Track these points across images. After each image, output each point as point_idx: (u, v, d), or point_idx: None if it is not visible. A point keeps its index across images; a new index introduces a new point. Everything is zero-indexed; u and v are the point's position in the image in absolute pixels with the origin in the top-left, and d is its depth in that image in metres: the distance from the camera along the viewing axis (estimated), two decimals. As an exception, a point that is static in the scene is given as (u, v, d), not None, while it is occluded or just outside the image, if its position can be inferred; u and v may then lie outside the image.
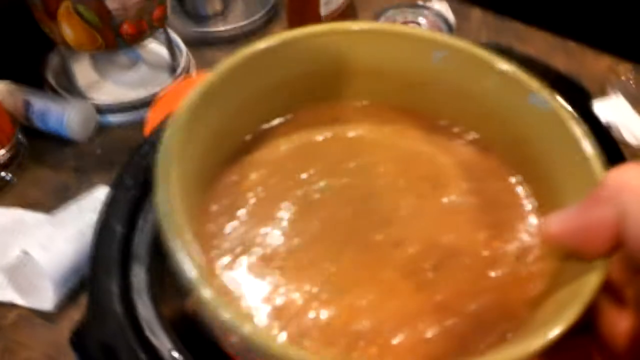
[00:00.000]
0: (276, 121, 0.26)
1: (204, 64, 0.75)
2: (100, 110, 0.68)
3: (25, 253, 0.52)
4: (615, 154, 0.45)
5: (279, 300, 0.22)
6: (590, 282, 0.19)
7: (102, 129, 0.68)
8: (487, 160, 0.27)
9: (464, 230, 0.24)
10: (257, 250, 0.23)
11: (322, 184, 0.24)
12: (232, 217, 0.24)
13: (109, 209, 0.37)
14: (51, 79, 0.70)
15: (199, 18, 0.80)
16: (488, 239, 0.24)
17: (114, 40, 0.63)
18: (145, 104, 0.68)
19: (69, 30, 0.61)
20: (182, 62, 0.72)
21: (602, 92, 0.75)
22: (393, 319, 0.21)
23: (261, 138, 0.26)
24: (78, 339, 0.31)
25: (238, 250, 0.23)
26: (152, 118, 0.62)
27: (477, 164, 0.26)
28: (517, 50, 0.74)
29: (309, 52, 0.25)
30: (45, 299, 0.51)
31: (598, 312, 0.21)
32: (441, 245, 0.23)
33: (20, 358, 0.49)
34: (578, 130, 0.23)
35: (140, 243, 0.37)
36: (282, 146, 0.26)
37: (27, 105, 0.64)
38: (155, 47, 0.76)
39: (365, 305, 0.21)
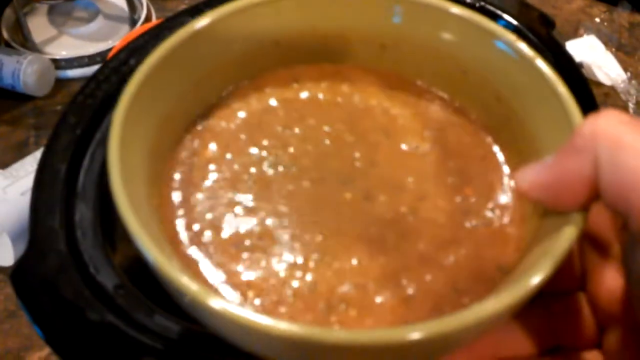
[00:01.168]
0: (233, 87, 0.26)
1: (165, 16, 0.73)
2: (59, 65, 0.66)
3: (-18, 209, 0.50)
4: (584, 92, 0.44)
5: (253, 273, 0.21)
6: (564, 236, 0.18)
7: (61, 84, 0.66)
8: (455, 114, 0.26)
9: (430, 174, 0.23)
10: (226, 226, 0.22)
11: (273, 159, 0.24)
12: (197, 188, 0.23)
13: (51, 148, 0.36)
14: (6, 34, 0.67)
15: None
16: (459, 185, 0.23)
17: (67, -11, 0.61)
18: (105, 57, 0.66)
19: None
20: (143, 14, 0.70)
21: (576, 34, 0.74)
22: (379, 277, 0.21)
23: (220, 104, 0.25)
24: (18, 275, 0.30)
25: (206, 223, 0.22)
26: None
27: (443, 116, 0.26)
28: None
29: (262, 22, 0.25)
30: (5, 255, 0.50)
31: (587, 269, 0.20)
32: (409, 189, 0.23)
33: (-20, 314, 0.48)
34: (552, 77, 0.22)
35: (87, 183, 0.36)
36: (239, 112, 0.25)
37: (-19, 60, 0.62)
38: (114, -1, 0.73)
39: (349, 269, 0.21)
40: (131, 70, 0.41)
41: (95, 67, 0.66)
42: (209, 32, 0.25)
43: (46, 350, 0.46)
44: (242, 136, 0.25)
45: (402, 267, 0.21)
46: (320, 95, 0.26)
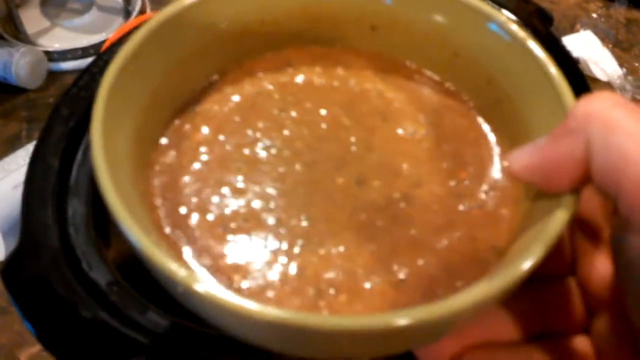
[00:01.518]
0: (223, 73, 0.25)
1: (160, 7, 0.72)
2: (52, 57, 0.65)
3: (-27, 203, 0.50)
4: (582, 87, 0.43)
5: (240, 257, 0.21)
6: (555, 220, 0.18)
7: (54, 77, 0.65)
8: (448, 96, 0.25)
9: (425, 159, 0.23)
10: (214, 209, 0.22)
11: (267, 141, 0.23)
12: (185, 171, 0.23)
13: (44, 141, 0.35)
14: (-2, 26, 0.66)
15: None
16: (453, 169, 0.23)
17: (60, -20, 0.60)
18: (99, 49, 0.65)
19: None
20: (137, 5, 0.69)
21: (572, 29, 0.74)
22: (368, 262, 0.21)
23: (212, 90, 0.25)
24: (9, 272, 0.30)
25: (193, 206, 0.22)
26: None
27: (437, 99, 0.25)
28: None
29: (249, 2, 0.25)
30: (-4, 249, 0.49)
31: (577, 254, 0.20)
32: (404, 175, 0.23)
33: (-29, 309, 0.47)
34: (544, 59, 0.22)
35: (80, 177, 0.35)
36: (233, 96, 0.25)
37: (-28, 52, 0.61)
38: (108, -9, 0.73)
39: (339, 253, 0.21)
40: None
41: (89, 60, 0.65)
42: (194, 11, 0.24)
43: (38, 347, 0.45)
44: (236, 118, 0.24)
45: (393, 253, 0.21)
46: (316, 79, 0.25)
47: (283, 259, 0.21)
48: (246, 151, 0.23)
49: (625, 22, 0.74)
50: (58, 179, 0.34)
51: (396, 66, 0.26)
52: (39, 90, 0.64)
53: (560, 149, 0.18)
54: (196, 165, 0.23)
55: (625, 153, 0.16)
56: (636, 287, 0.16)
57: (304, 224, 0.21)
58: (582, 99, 0.18)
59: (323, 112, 0.24)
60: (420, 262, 0.21)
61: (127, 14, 0.69)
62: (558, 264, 0.20)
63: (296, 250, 0.21)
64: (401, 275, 0.20)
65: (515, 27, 0.23)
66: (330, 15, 0.25)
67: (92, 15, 0.70)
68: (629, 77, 0.68)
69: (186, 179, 0.23)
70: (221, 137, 0.24)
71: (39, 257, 0.30)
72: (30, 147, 0.53)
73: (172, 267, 0.17)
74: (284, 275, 0.20)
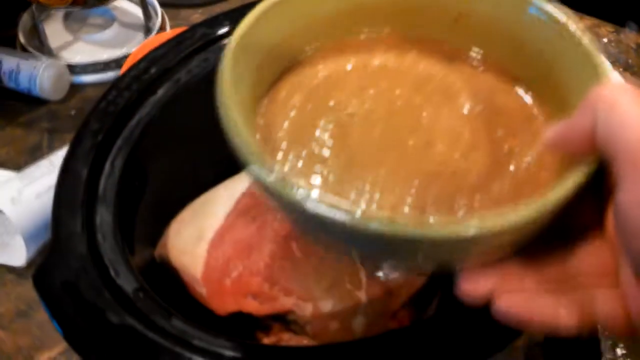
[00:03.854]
0: (317, 47, 0.30)
1: (179, 24, 0.74)
2: (74, 70, 0.67)
3: (-4, 210, 0.51)
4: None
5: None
6: (577, 173, 0.22)
7: (75, 90, 0.67)
8: (505, 81, 0.29)
9: (482, 128, 0.27)
10: (304, 156, 0.26)
11: (349, 110, 0.27)
12: (278, 128, 0.27)
13: (74, 152, 0.37)
14: (23, 39, 0.68)
15: (175, -22, 0.78)
16: (505, 137, 0.27)
17: (85, -4, 0.62)
18: (120, 64, 0.67)
19: (37, -17, 0.60)
20: (157, 22, 0.71)
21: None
22: (435, 200, 0.25)
23: (305, 62, 0.29)
24: (40, 277, 0.31)
25: (282, 156, 0.26)
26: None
27: (494, 82, 0.29)
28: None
29: None
30: (17, 255, 0.51)
31: (605, 211, 0.23)
32: (464, 141, 0.27)
33: (-8, 314, 0.48)
34: (584, 38, 0.25)
35: (108, 187, 0.37)
36: (320, 72, 0.29)
37: (-2, 64, 0.63)
38: (129, 7, 0.74)
39: (410, 194, 0.25)
40: (152, 79, 0.42)
41: (110, 73, 0.68)
42: None
43: (56, 351, 0.46)
44: (322, 90, 0.28)
45: (453, 195, 0.25)
46: (391, 63, 0.29)
47: (366, 196, 0.24)
48: (331, 117, 0.27)
49: (635, 47, 0.75)
50: (87, 189, 0.35)
51: (461, 53, 0.30)
52: (60, 102, 0.65)
53: (575, 123, 0.22)
54: (286, 124, 0.27)
55: (620, 125, 0.20)
56: (628, 242, 0.20)
57: (382, 172, 0.25)
58: (599, 86, 0.22)
59: (397, 91, 0.28)
60: (476, 203, 0.25)
61: (147, 30, 0.71)
62: (587, 218, 0.23)
63: (376, 194, 0.25)
64: (460, 213, 0.24)
65: (553, 9, 0.26)
66: (419, 5, 0.29)
67: (113, 31, 0.71)
68: None
69: (279, 134, 0.26)
70: (309, 105, 0.28)
71: (68, 264, 0.32)
72: (52, 158, 0.54)
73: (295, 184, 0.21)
74: (367, 206, 0.24)
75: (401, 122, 0.27)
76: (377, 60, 0.29)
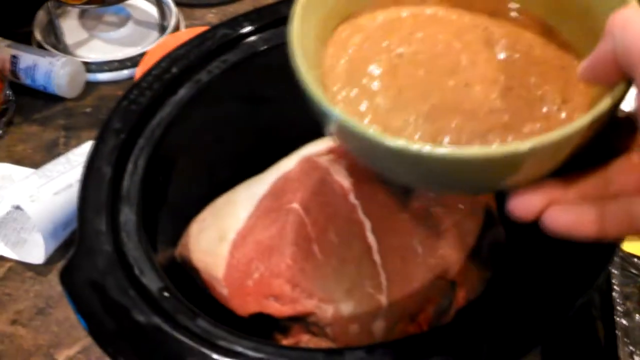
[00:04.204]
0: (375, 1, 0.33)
1: (193, 23, 0.74)
2: (89, 68, 0.67)
3: (16, 207, 0.51)
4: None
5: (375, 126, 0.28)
6: (609, 96, 0.24)
7: (91, 87, 0.67)
8: (542, 33, 0.31)
9: (517, 75, 0.29)
10: (360, 92, 0.29)
11: (398, 50, 0.30)
12: (338, 62, 0.30)
13: (98, 151, 0.37)
14: (39, 36, 0.68)
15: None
16: (539, 82, 0.29)
17: (103, -6, 0.62)
18: (135, 62, 0.67)
19: (56, -19, 0.60)
20: (172, 21, 0.71)
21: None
22: (473, 134, 0.27)
23: (366, 9, 0.32)
24: (67, 276, 0.31)
25: (338, 87, 0.29)
26: (140, 75, 0.61)
27: (532, 35, 0.31)
28: None
29: None
30: (36, 253, 0.51)
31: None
32: (500, 83, 0.29)
33: (10, 310, 0.49)
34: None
35: (131, 186, 0.37)
36: (378, 18, 0.32)
37: (15, 61, 0.63)
38: (145, 6, 0.75)
39: (450, 129, 0.27)
40: (173, 78, 0.42)
41: (125, 72, 0.68)
42: None
43: (75, 349, 0.46)
44: (379, 32, 0.31)
45: (489, 130, 0.27)
46: (440, 13, 0.32)
47: (411, 128, 0.28)
48: (384, 56, 0.30)
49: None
50: (111, 188, 0.35)
51: (502, 6, 0.32)
52: (76, 99, 0.65)
53: (599, 52, 0.24)
54: (345, 59, 0.30)
55: (634, 38, 0.22)
56: None
57: (425, 107, 0.28)
58: (616, 12, 0.23)
59: (440, 36, 0.31)
60: (509, 138, 0.27)
61: (162, 29, 0.71)
62: (623, 141, 0.26)
63: (420, 122, 0.28)
64: (494, 144, 0.27)
65: None
66: None
67: (128, 29, 0.72)
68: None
69: (339, 69, 0.30)
70: (366, 44, 0.31)
71: (94, 262, 0.32)
72: (70, 155, 0.54)
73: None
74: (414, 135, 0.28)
75: (443, 64, 0.30)
76: (429, 10, 0.32)
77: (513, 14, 0.32)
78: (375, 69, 0.30)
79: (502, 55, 0.30)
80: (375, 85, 0.29)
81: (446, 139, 0.27)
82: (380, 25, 0.32)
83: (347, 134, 0.26)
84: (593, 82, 0.26)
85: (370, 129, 0.25)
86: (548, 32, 0.31)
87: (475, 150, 0.24)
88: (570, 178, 0.26)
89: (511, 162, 0.24)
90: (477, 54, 0.30)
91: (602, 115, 0.24)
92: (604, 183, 0.25)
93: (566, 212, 0.25)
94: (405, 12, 0.32)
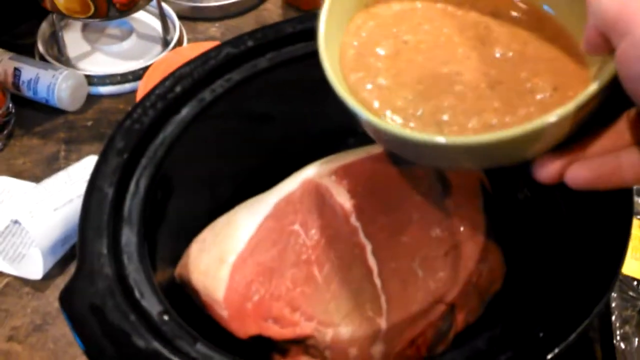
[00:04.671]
0: None
1: (196, 37, 0.74)
2: (91, 81, 0.67)
3: (15, 222, 0.51)
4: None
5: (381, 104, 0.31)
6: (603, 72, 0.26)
7: (92, 100, 0.67)
8: (539, 28, 0.33)
9: (509, 69, 0.31)
10: (366, 73, 0.32)
11: (405, 37, 0.33)
12: (351, 45, 0.34)
13: (100, 171, 0.37)
14: (42, 48, 0.69)
15: (193, -9, 0.79)
16: (529, 76, 0.31)
17: (106, 9, 0.62)
18: (137, 76, 0.67)
19: (60, -5, 0.60)
20: (175, 35, 0.71)
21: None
22: (466, 113, 0.30)
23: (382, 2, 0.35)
24: (67, 299, 0.31)
25: (347, 70, 0.32)
26: (143, 89, 0.61)
27: (528, 31, 0.33)
28: None
29: None
30: (34, 268, 0.51)
31: None
32: (491, 75, 0.31)
33: (6, 326, 0.48)
34: None
35: (133, 207, 0.37)
36: (395, 6, 0.35)
37: (17, 73, 0.63)
38: (148, 19, 0.75)
39: (447, 105, 0.30)
40: (177, 97, 0.42)
41: (127, 85, 0.68)
42: None
43: (71, 366, 0.46)
44: (390, 20, 0.34)
45: (482, 110, 0.30)
46: (449, 9, 0.35)
47: (412, 106, 0.30)
48: (391, 41, 0.33)
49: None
50: (112, 209, 0.35)
51: (506, 9, 0.34)
52: (77, 112, 0.65)
53: (588, 25, 0.26)
54: (355, 42, 0.33)
55: (606, 8, 0.24)
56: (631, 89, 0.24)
57: (419, 87, 0.31)
58: None
59: (445, 30, 0.34)
60: (507, 119, 0.29)
61: (165, 42, 0.72)
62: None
63: (418, 100, 0.31)
64: (493, 122, 0.29)
65: None
66: None
67: (131, 42, 0.72)
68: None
69: (350, 52, 0.33)
70: (377, 30, 0.34)
71: (94, 285, 0.32)
72: (70, 170, 0.54)
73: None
74: (415, 117, 0.30)
75: (441, 55, 0.33)
76: (440, 5, 0.35)
77: (514, 13, 0.34)
78: (380, 50, 0.33)
79: (497, 54, 0.32)
80: (379, 65, 0.32)
81: (444, 117, 0.30)
82: (394, 14, 0.34)
83: (380, 134, 0.29)
84: (595, 54, 0.27)
85: (404, 130, 0.29)
86: (543, 22, 0.33)
87: (509, 131, 0.26)
88: (586, 137, 0.28)
89: (538, 135, 0.26)
90: (472, 49, 0.33)
91: (609, 81, 0.26)
92: (617, 136, 0.27)
93: (586, 168, 0.27)
94: (419, 3, 0.35)
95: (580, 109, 0.26)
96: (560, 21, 0.33)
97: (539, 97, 0.30)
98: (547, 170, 0.28)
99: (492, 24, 0.34)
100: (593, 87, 0.26)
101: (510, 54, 0.32)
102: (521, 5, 0.35)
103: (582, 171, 0.27)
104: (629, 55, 0.24)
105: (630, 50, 0.24)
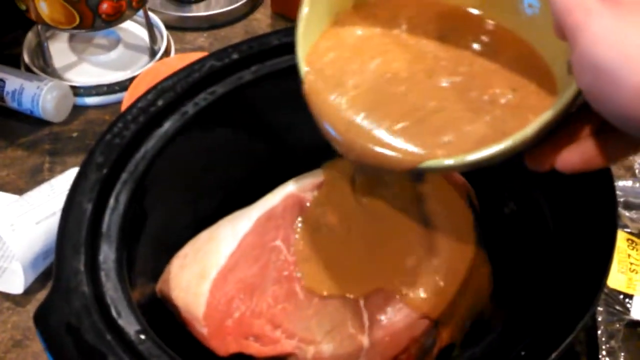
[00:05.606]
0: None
1: (184, 48, 0.74)
2: (77, 91, 0.66)
3: (-5, 235, 0.51)
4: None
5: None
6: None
7: (78, 111, 0.66)
8: (502, 38, 0.34)
9: (453, 97, 0.32)
10: (345, 79, 0.33)
11: (351, 81, 0.34)
12: (322, 60, 0.34)
13: (79, 185, 0.36)
14: (27, 59, 0.68)
15: (181, 1, 0.79)
16: (481, 92, 0.32)
17: (92, 19, 0.62)
18: (124, 86, 0.67)
19: (45, 5, 0.60)
20: (163, 45, 0.71)
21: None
22: (437, 123, 0.31)
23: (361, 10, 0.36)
24: (42, 318, 0.30)
25: (326, 75, 0.34)
26: (129, 100, 0.61)
27: (492, 40, 0.34)
28: None
29: None
30: (15, 282, 0.50)
31: None
32: (461, 73, 0.33)
33: (-14, 341, 0.48)
34: None
35: (112, 223, 0.36)
36: (357, 31, 0.35)
37: (1, 84, 0.63)
38: (135, 29, 0.74)
39: (433, 107, 0.31)
40: (159, 110, 0.42)
41: (113, 96, 0.67)
42: None
43: (51, 383, 0.45)
44: (347, 54, 0.34)
45: (442, 127, 0.31)
46: (403, 35, 0.35)
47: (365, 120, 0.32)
48: (340, 89, 0.34)
49: None
50: (91, 225, 0.35)
51: (464, 17, 0.35)
52: (62, 123, 0.65)
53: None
54: (331, 57, 0.34)
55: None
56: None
57: (401, 89, 0.33)
58: None
59: (395, 64, 0.34)
60: (468, 128, 0.31)
61: (152, 52, 0.71)
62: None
63: (368, 120, 0.32)
64: (467, 128, 0.31)
65: None
66: None
67: (118, 52, 0.71)
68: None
69: (326, 69, 0.34)
70: (332, 66, 0.34)
71: (70, 303, 0.31)
72: (53, 182, 0.54)
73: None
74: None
75: (391, 80, 0.34)
76: (396, 30, 0.36)
77: (467, 36, 0.35)
78: (345, 83, 0.34)
79: (444, 83, 0.33)
80: (350, 77, 0.34)
81: (400, 125, 0.31)
82: (353, 46, 0.35)
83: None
84: (564, 38, 0.28)
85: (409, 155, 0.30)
86: (505, 35, 0.34)
87: (494, 148, 0.28)
88: (572, 125, 0.29)
89: (538, 136, 0.28)
90: (418, 84, 0.33)
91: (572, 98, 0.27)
92: (599, 119, 0.28)
93: (574, 153, 0.28)
94: (378, 29, 0.36)
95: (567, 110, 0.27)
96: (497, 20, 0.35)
97: (502, 101, 0.31)
98: (539, 162, 0.29)
99: (439, 51, 0.34)
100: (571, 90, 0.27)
101: (458, 79, 0.33)
102: (488, 26, 0.35)
103: (571, 156, 0.28)
104: (578, 66, 0.24)
105: (578, 60, 0.24)
